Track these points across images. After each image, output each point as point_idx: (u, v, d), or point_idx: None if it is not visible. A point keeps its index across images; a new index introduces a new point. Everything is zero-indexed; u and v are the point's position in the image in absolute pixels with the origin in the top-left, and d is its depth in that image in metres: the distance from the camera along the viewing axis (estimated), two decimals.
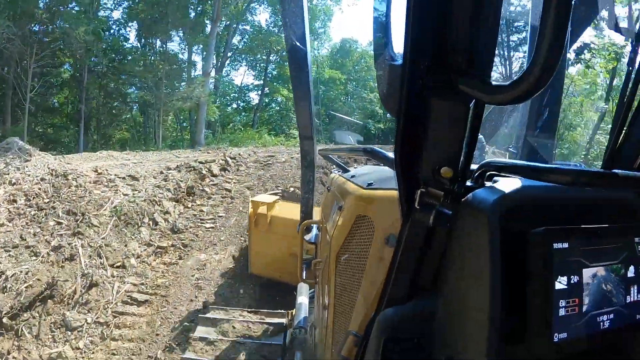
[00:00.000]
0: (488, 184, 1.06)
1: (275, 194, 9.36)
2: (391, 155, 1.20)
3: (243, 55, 38.60)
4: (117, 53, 28.32)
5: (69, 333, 5.84)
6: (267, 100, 40.30)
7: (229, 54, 37.14)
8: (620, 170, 1.05)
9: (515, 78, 0.79)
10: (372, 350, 1.19)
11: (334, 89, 41.55)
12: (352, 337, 1.48)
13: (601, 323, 0.96)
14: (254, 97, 40.45)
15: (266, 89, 39.74)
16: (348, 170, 2.66)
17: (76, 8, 23.28)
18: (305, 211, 4.72)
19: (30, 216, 7.90)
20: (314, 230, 3.93)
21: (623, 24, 1.64)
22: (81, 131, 23.56)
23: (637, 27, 1.46)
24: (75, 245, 7.08)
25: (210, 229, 9.33)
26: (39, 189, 8.80)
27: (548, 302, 0.89)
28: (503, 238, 0.90)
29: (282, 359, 4.34)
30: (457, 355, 1.01)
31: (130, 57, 28.56)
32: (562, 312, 0.91)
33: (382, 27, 1.13)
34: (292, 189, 11.50)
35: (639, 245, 1.02)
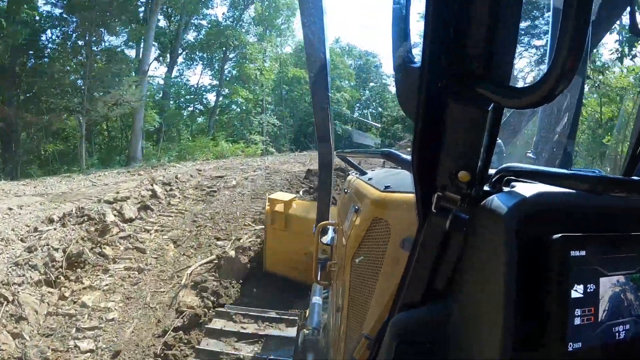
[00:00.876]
0: (506, 189, 1.02)
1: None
2: (409, 158, 1.20)
3: (198, 53, 35.19)
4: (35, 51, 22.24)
5: None
6: (226, 102, 37.25)
7: (182, 52, 33.40)
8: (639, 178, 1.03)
9: (534, 82, 0.78)
10: (384, 354, 1.18)
11: (298, 89, 39.85)
12: (365, 340, 1.51)
13: (617, 333, 0.93)
14: (213, 99, 37.22)
15: (226, 89, 36.06)
16: (365, 173, 2.62)
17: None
18: (322, 212, 4.66)
19: None
20: (330, 232, 3.83)
21: None
22: None
23: None
24: None
25: (88, 354, 5.43)
26: None
27: (563, 311, 0.87)
28: (520, 244, 0.88)
29: (295, 358, 4.24)
30: None
31: (47, 57, 22.70)
32: (577, 321, 0.88)
33: (400, 29, 1.10)
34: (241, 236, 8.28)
35: None
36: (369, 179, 2.23)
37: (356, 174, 2.88)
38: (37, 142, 22.18)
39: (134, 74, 22.65)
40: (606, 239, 0.95)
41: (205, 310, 6.07)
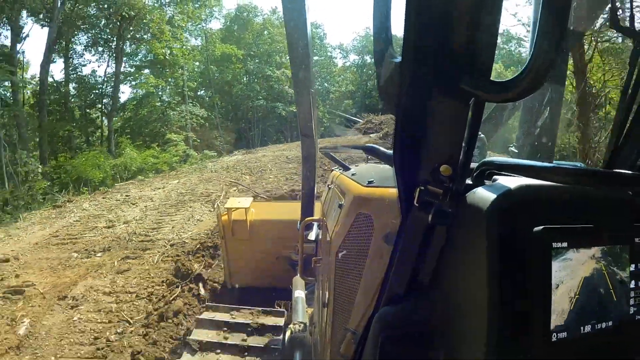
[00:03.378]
0: (488, 182, 1.03)
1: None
2: (391, 153, 1.16)
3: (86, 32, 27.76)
4: None
5: None
6: (133, 94, 30.66)
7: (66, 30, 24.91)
8: (621, 170, 1.10)
9: (514, 76, 0.80)
10: (370, 348, 1.19)
11: (230, 69, 35.13)
12: (350, 334, 1.51)
13: (600, 323, 0.95)
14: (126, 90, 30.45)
15: (129, 78, 28.16)
16: (349, 168, 2.53)
17: None
18: (306, 208, 4.60)
19: None
20: (315, 228, 3.77)
21: (624, 23, 1.53)
22: None
23: (639, 26, 1.41)
24: None
25: None
26: None
27: (547, 301, 0.88)
28: (502, 237, 0.89)
29: (282, 356, 4.16)
30: (455, 353, 1.02)
31: None
32: (561, 311, 0.90)
33: (382, 24, 1.07)
34: None
35: (639, 246, 1.01)
36: (352, 174, 2.18)
37: (339, 169, 2.81)
38: None
39: None
40: (588, 230, 0.96)
41: None
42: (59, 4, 23.47)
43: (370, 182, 1.78)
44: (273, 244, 5.72)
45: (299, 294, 4.17)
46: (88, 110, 28.14)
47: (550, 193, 0.99)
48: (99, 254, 8.39)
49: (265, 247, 5.82)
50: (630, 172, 1.09)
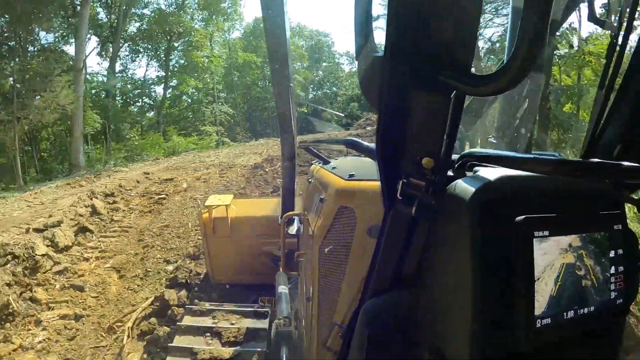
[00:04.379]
0: (469, 174, 1.05)
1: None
2: (373, 146, 1.25)
3: (142, 44, 33.52)
4: None
5: None
6: (177, 94, 36.00)
7: (124, 44, 31.43)
8: (599, 160, 1.10)
9: (496, 69, 0.80)
10: (357, 341, 1.20)
11: (250, 75, 39.50)
12: (337, 328, 1.54)
13: (583, 309, 0.98)
14: (162, 92, 35.72)
15: (174, 80, 34.45)
16: (329, 162, 2.66)
17: None
18: (287, 203, 4.59)
19: None
20: (296, 223, 3.82)
21: (601, 16, 1.56)
22: None
23: (615, 18, 1.36)
24: None
25: None
26: None
27: (530, 290, 0.90)
28: (484, 227, 0.91)
29: (268, 350, 4.37)
30: (441, 344, 1.03)
31: None
32: (544, 299, 0.91)
33: (363, 18, 1.09)
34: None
35: (618, 233, 1.04)
36: (333, 167, 2.23)
37: (320, 163, 2.88)
38: None
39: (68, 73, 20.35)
40: (568, 218, 0.99)
41: None
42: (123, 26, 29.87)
43: (351, 176, 1.84)
44: (254, 240, 5.79)
45: (283, 289, 3.97)
46: (139, 105, 34.92)
47: (531, 183, 1.01)
48: (206, 170, 14.33)
49: (247, 243, 5.86)
50: (608, 161, 1.09)
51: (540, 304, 0.91)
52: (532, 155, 1.00)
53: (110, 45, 29.34)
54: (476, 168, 1.06)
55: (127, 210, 10.44)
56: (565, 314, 0.95)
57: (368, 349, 1.14)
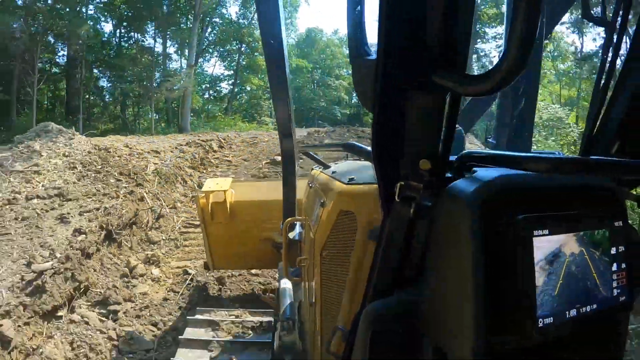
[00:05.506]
0: (468, 174, 1.05)
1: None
2: (370, 149, 1.20)
3: (213, 47, 40.68)
4: (104, 49, 30.51)
5: (152, 245, 8.66)
6: (237, 90, 42.96)
7: (205, 47, 39.07)
8: (597, 157, 1.12)
9: (489, 69, 0.80)
10: (360, 345, 1.19)
11: (301, 78, 44.56)
12: (339, 332, 1.54)
13: (585, 307, 0.97)
14: (224, 86, 42.83)
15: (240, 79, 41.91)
16: (329, 166, 2.65)
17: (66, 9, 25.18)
18: (288, 208, 4.72)
19: (93, 177, 10.49)
20: (297, 228, 3.96)
21: (596, 13, 1.62)
22: (80, 122, 25.39)
23: (610, 15, 1.41)
24: (141, 192, 9.79)
25: None
26: (90, 158, 11.35)
27: (531, 289, 0.90)
28: (483, 227, 0.91)
29: (273, 354, 4.27)
30: (444, 345, 1.02)
31: (112, 52, 30.77)
32: (545, 297, 0.92)
33: (356, 21, 1.13)
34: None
35: (619, 229, 1.04)
36: (333, 172, 2.25)
37: (320, 168, 2.87)
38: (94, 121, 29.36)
39: (181, 69, 30.40)
40: (567, 217, 0.98)
41: None
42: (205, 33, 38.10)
43: (351, 180, 1.86)
44: (255, 226, 5.83)
45: (285, 283, 4.12)
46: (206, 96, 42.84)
47: (530, 182, 1.01)
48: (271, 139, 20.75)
49: (247, 229, 5.87)
50: (606, 158, 1.11)
51: (542, 302, 0.91)
52: (530, 154, 1.03)
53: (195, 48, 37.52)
54: (475, 168, 1.06)
55: (237, 145, 17.71)
56: (567, 312, 0.95)
57: (371, 352, 1.13)
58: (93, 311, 6.40)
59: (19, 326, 5.72)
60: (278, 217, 4.81)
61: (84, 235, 7.48)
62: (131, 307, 6.62)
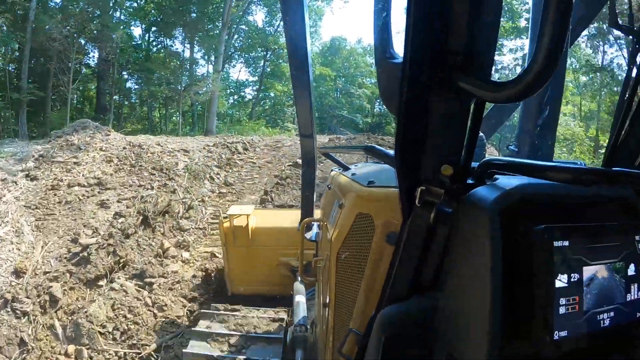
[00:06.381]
0: (489, 181, 1.04)
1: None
2: (392, 153, 1.20)
3: (239, 53, 41.66)
4: (135, 52, 31.96)
5: (183, 232, 9.48)
6: (261, 95, 43.64)
7: (231, 53, 40.10)
8: (620, 168, 1.11)
9: (515, 76, 0.80)
10: (372, 348, 1.19)
11: (324, 85, 44.69)
12: (353, 335, 1.52)
13: (602, 321, 0.96)
14: (248, 92, 43.66)
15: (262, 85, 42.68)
16: (349, 168, 2.64)
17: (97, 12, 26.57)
18: (306, 209, 4.79)
19: (128, 170, 11.40)
20: (315, 228, 3.97)
21: (623, 22, 1.58)
22: (110, 121, 26.46)
23: (638, 25, 1.35)
24: (172, 185, 10.63)
25: (251, 184, 12.93)
26: (125, 154, 12.30)
27: (549, 300, 0.89)
28: (503, 236, 0.90)
29: (284, 357, 4.31)
30: (458, 353, 1.01)
31: (141, 56, 32.20)
32: (562, 310, 0.90)
33: (382, 26, 1.13)
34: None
35: (639, 243, 1.01)
36: (352, 174, 2.24)
37: (339, 169, 2.86)
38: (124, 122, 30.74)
39: (208, 73, 31.57)
40: (589, 229, 0.96)
41: None
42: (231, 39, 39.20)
43: (370, 183, 1.86)
44: (273, 251, 6.04)
45: (300, 298, 4.19)
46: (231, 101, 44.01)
47: (552, 192, 1.00)
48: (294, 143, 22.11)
49: (266, 254, 6.10)
50: (629, 170, 1.11)
51: (559, 315, 0.90)
52: (552, 164, 1.00)
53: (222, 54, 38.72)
54: (496, 176, 1.06)
55: (261, 148, 18.48)
56: (584, 326, 0.94)
57: (383, 356, 1.12)
58: (131, 282, 7.36)
59: (64, 290, 6.79)
60: (295, 244, 4.68)
61: (123, 218, 8.45)
62: (164, 282, 7.57)
